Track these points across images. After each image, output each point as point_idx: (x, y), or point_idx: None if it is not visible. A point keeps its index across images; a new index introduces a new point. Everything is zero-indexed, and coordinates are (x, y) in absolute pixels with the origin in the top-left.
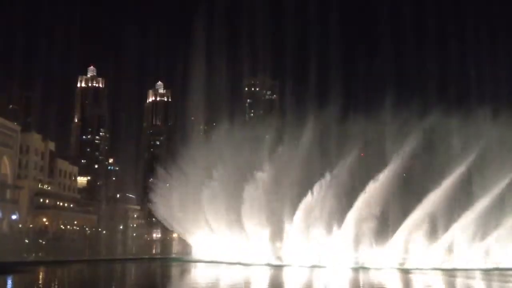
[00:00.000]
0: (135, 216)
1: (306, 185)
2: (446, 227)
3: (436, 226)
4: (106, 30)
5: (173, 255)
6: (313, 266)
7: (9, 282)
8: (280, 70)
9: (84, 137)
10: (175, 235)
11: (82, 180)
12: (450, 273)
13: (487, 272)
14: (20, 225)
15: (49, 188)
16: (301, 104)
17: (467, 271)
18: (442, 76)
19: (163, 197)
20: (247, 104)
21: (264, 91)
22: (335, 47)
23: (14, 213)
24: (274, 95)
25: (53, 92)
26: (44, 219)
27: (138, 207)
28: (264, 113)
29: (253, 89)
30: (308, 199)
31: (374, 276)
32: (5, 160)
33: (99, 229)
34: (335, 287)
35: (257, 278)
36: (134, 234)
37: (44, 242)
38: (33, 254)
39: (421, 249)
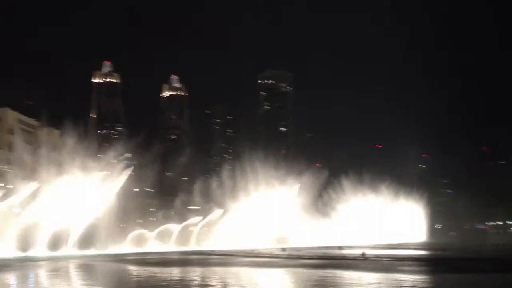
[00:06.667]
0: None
1: None
2: None
3: None
4: (121, 25)
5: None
6: None
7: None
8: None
9: (100, 132)
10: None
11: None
12: None
13: None
14: None
15: None
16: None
17: None
18: None
19: None
20: (262, 97)
21: (280, 84)
22: None
23: None
24: (289, 88)
25: (69, 88)
26: None
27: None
28: (279, 105)
29: (268, 81)
30: None
31: None
32: (26, 157)
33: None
34: None
35: None
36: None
37: None
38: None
39: None
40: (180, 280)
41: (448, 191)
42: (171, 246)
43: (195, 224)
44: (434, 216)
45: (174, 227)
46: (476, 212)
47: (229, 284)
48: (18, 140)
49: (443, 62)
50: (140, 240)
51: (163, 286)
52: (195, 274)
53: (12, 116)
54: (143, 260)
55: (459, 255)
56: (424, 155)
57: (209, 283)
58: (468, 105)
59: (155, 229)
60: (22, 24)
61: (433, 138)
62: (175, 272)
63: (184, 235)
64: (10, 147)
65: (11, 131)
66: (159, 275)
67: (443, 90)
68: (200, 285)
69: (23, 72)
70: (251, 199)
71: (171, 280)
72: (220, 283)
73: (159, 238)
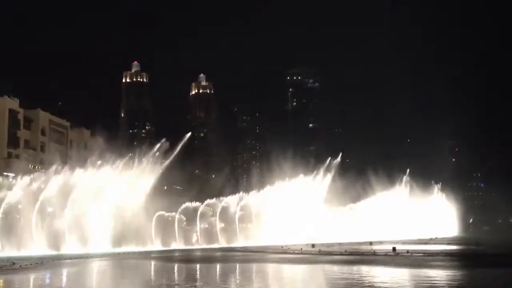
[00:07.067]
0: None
1: None
2: None
3: None
4: (148, 25)
5: None
6: None
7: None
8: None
9: (130, 131)
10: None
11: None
12: None
13: None
14: None
15: None
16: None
17: None
18: None
19: None
20: (289, 93)
21: (307, 80)
22: None
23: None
24: (317, 83)
25: (99, 88)
26: None
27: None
28: (307, 101)
29: (295, 77)
30: None
31: None
32: (57, 157)
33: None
34: None
35: None
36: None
37: None
38: None
39: None
40: (221, 275)
41: (480, 184)
42: (198, 244)
43: (217, 206)
44: (467, 210)
45: (199, 205)
46: (509, 206)
47: (264, 279)
48: (50, 141)
49: (477, 56)
50: (167, 232)
51: (206, 283)
52: (229, 270)
53: (43, 117)
54: (174, 257)
55: (493, 250)
56: (455, 149)
57: (245, 278)
58: (499, 98)
59: (184, 224)
60: (51, 23)
61: (464, 132)
62: (210, 268)
63: (211, 233)
64: (42, 147)
65: (43, 132)
66: (195, 271)
67: (475, 85)
68: (239, 281)
69: (54, 73)
70: (280, 195)
71: (211, 277)
72: (259, 279)
73: (184, 237)
